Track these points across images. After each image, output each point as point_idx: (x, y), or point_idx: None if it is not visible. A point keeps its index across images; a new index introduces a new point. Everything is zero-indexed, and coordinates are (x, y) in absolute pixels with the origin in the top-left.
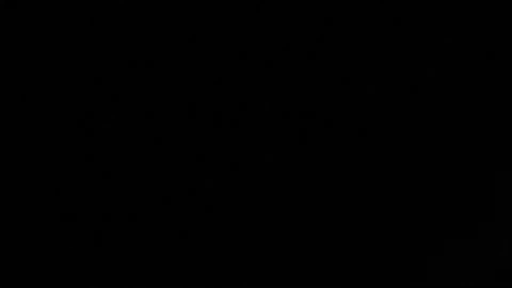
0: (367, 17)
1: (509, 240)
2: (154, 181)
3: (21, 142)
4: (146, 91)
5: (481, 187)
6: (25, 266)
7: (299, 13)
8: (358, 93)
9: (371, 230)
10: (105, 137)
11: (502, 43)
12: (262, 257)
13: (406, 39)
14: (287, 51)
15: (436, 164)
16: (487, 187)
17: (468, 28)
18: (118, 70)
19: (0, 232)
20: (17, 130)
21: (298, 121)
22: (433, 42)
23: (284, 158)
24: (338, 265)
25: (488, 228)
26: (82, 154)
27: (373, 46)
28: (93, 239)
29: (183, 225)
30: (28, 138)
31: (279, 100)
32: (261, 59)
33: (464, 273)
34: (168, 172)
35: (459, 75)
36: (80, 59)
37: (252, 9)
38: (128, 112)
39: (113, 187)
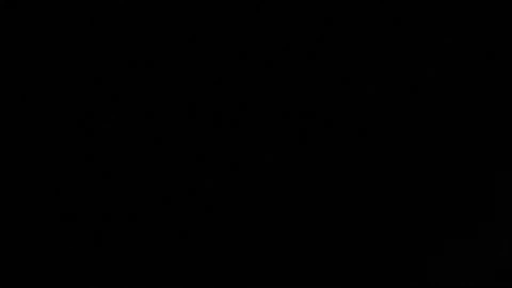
0: (367, 17)
1: (509, 240)
2: (154, 181)
3: (21, 142)
4: (146, 91)
5: (481, 187)
6: (25, 266)
7: (299, 13)
8: (358, 93)
9: (371, 230)
10: (105, 137)
11: (502, 43)
12: (262, 257)
13: (406, 39)
14: (287, 51)
15: (436, 164)
16: (487, 187)
17: (468, 28)
18: (118, 70)
19: (0, 232)
20: (17, 130)
21: (298, 121)
22: (433, 42)
23: (284, 158)
24: (338, 265)
25: (488, 228)
26: (82, 154)
27: (373, 46)
28: (93, 239)
29: (183, 225)
30: (28, 138)
31: (279, 100)
32: (261, 59)
33: (464, 273)
34: (168, 172)
35: (459, 75)
36: (80, 59)
37: (252, 9)
38: (128, 112)
39: (113, 187)
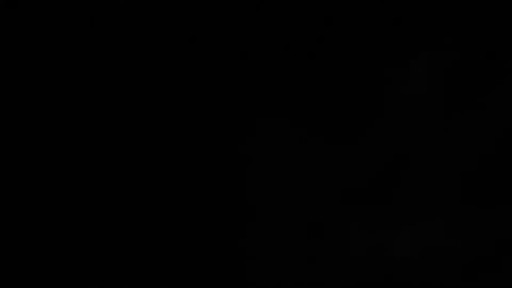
0: (367, 17)
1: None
2: (154, 181)
3: (21, 142)
4: (146, 91)
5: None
6: (25, 266)
7: (299, 13)
8: (359, 93)
9: (371, 229)
10: (105, 137)
11: (502, 43)
12: (262, 257)
13: (406, 39)
14: (287, 51)
15: (435, 164)
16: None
17: (468, 28)
18: (118, 70)
19: (0, 232)
20: (17, 130)
21: (298, 121)
22: (433, 42)
23: (284, 157)
24: (338, 264)
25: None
26: (82, 154)
27: (373, 46)
28: (93, 239)
29: (183, 225)
30: (28, 138)
31: (279, 100)
32: (261, 59)
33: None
34: (168, 172)
35: (459, 75)
36: (80, 59)
37: (252, 9)
38: (128, 112)
39: (113, 187)
